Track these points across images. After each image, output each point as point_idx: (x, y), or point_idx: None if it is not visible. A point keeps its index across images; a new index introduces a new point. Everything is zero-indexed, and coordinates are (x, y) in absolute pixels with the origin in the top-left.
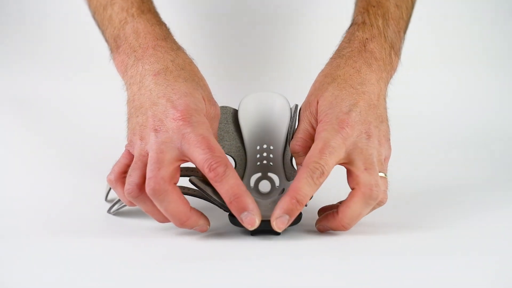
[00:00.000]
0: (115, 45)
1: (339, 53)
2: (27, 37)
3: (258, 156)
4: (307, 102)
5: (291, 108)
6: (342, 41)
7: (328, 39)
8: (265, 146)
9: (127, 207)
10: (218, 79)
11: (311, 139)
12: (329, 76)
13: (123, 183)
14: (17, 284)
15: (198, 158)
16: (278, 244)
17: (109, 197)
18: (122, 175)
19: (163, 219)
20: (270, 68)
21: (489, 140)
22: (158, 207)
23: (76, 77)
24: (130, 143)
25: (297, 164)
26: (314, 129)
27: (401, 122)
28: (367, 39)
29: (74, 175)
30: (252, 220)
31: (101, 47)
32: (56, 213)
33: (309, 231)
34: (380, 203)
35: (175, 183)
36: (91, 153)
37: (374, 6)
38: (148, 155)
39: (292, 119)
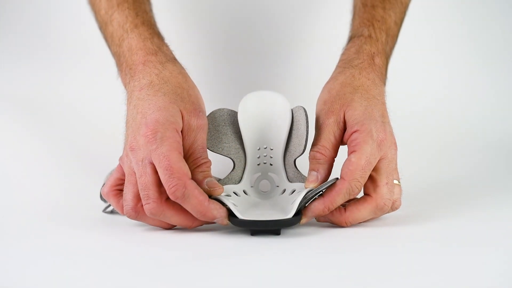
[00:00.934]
0: (119, 63)
1: (350, 63)
2: (27, 37)
3: (258, 157)
4: (329, 110)
5: (292, 110)
6: (348, 51)
7: (327, 40)
8: (265, 147)
9: None
10: (217, 80)
11: (332, 148)
12: (349, 86)
13: (115, 195)
14: (17, 284)
15: (161, 178)
16: (278, 243)
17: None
18: (113, 188)
19: (168, 226)
20: (269, 68)
21: (488, 138)
22: (166, 220)
23: (76, 77)
24: (121, 158)
25: (310, 170)
26: (337, 138)
27: (401, 121)
28: (374, 53)
29: (74, 175)
30: (223, 223)
31: (101, 47)
32: (56, 213)
33: (308, 230)
34: (394, 209)
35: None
36: (91, 153)
37: (379, 21)
38: (133, 172)
39: (306, 123)
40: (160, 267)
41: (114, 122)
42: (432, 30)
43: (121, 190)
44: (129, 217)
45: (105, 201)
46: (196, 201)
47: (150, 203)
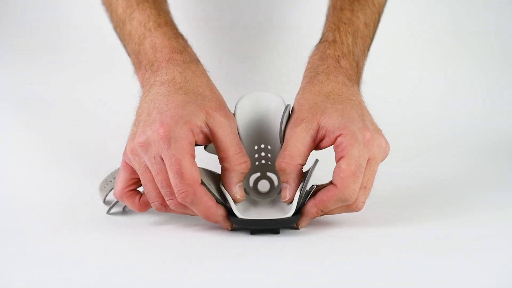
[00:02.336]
0: (137, 61)
1: (315, 71)
2: (28, 38)
3: (256, 156)
4: (298, 119)
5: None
6: (312, 58)
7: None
8: (262, 145)
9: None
10: (214, 80)
11: (299, 155)
12: (319, 94)
13: (129, 196)
14: (17, 284)
15: (170, 179)
16: (278, 243)
17: (108, 198)
18: (125, 189)
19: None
20: (265, 69)
21: (487, 138)
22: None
23: (77, 76)
24: (126, 155)
25: (282, 182)
26: (305, 145)
27: (401, 121)
28: (338, 56)
29: (74, 175)
30: (225, 227)
31: (103, 48)
32: (56, 213)
33: (308, 230)
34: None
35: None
36: (91, 153)
37: (345, 23)
38: (148, 169)
39: (282, 119)
40: (160, 267)
41: (115, 122)
42: (431, 29)
43: (134, 190)
44: (160, 211)
45: (108, 203)
46: (203, 207)
47: (174, 199)
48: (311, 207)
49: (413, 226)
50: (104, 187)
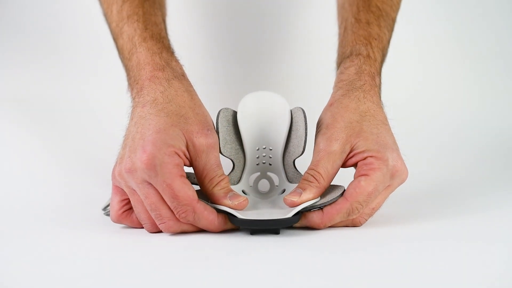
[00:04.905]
0: (128, 77)
1: (352, 85)
2: (28, 38)
3: (257, 157)
4: (332, 136)
5: (291, 110)
6: (347, 70)
7: (328, 39)
8: (264, 147)
9: None
10: (216, 80)
11: (327, 177)
12: (355, 112)
13: (126, 217)
14: (18, 283)
15: (168, 204)
16: (277, 244)
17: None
18: (120, 211)
19: (194, 229)
20: (269, 68)
21: (486, 138)
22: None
23: (76, 77)
24: (114, 178)
25: (298, 187)
26: (335, 168)
27: (401, 121)
28: (374, 73)
29: (74, 175)
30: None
31: (104, 49)
32: (56, 213)
33: (308, 230)
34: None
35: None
36: (91, 153)
37: (376, 40)
38: (134, 192)
39: (304, 125)
40: (159, 268)
41: (115, 122)
42: (431, 29)
43: (129, 210)
44: (151, 232)
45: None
46: (205, 222)
47: (166, 222)
48: (316, 217)
49: (413, 226)
50: (105, 207)
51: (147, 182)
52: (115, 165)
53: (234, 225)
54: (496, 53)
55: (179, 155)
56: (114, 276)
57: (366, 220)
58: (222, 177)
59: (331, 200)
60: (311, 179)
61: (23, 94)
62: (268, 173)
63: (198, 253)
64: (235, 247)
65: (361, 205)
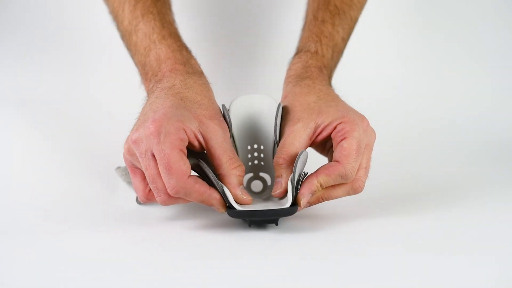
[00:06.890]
0: (143, 72)
1: (299, 77)
2: (29, 38)
3: (249, 156)
4: (294, 118)
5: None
6: (295, 66)
7: None
8: (255, 146)
9: None
10: (209, 80)
11: (296, 153)
12: (309, 95)
13: (153, 196)
14: (20, 283)
15: (161, 173)
16: (277, 242)
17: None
18: (147, 190)
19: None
20: (261, 70)
21: (486, 139)
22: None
23: (77, 77)
24: (126, 158)
25: (275, 177)
26: (301, 143)
27: (400, 121)
28: (320, 66)
29: (75, 174)
30: (220, 211)
31: (105, 49)
32: (57, 213)
33: (307, 228)
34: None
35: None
36: (92, 153)
37: (327, 37)
38: (137, 168)
39: (276, 117)
40: (159, 267)
41: (116, 121)
42: (431, 29)
43: None
44: (144, 203)
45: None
46: (196, 195)
47: (161, 196)
48: (312, 179)
49: (413, 226)
50: (123, 175)
51: (151, 152)
52: (124, 145)
53: (230, 215)
54: (496, 53)
55: (186, 132)
56: (115, 276)
57: (364, 183)
58: (239, 163)
59: (295, 164)
60: (281, 161)
61: (23, 94)
62: (261, 174)
63: (196, 254)
64: (235, 247)
65: (354, 166)
